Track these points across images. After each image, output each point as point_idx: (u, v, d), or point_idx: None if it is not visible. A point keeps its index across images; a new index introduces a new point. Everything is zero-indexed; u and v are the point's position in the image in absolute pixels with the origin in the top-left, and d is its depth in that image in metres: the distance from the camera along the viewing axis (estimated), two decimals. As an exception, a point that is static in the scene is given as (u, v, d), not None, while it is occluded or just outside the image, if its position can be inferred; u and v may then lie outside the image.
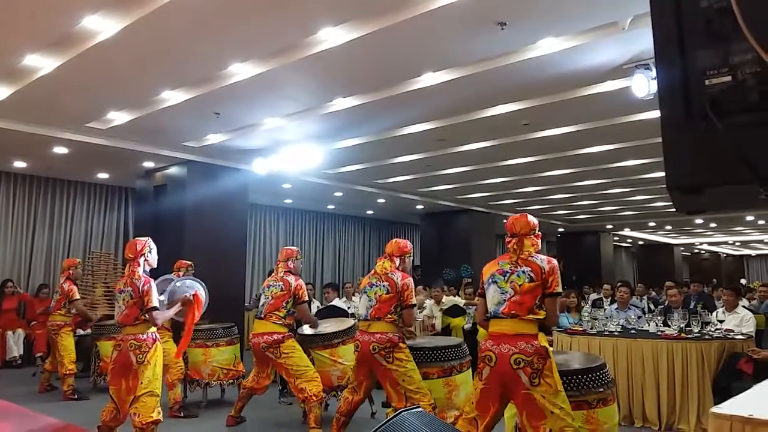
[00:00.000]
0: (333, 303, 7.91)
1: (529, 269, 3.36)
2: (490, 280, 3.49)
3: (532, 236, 3.49)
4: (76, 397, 6.46)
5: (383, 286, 4.33)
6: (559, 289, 3.38)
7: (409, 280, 4.37)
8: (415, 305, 4.39)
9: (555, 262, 3.43)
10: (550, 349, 3.27)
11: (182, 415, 5.68)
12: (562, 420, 3.11)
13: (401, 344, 4.24)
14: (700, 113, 0.91)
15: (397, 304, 4.29)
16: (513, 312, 3.31)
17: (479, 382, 3.38)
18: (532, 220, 3.55)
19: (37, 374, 7.48)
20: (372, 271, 4.55)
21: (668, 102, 0.96)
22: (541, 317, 3.30)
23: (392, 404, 4.26)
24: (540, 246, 3.53)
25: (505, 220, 16.38)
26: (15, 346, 8.59)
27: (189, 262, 6.18)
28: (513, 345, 3.23)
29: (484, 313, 3.52)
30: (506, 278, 3.41)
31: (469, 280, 11.00)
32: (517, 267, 3.40)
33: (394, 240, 4.66)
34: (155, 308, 4.24)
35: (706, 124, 0.90)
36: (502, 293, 3.39)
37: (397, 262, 4.48)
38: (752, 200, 0.99)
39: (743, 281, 13.68)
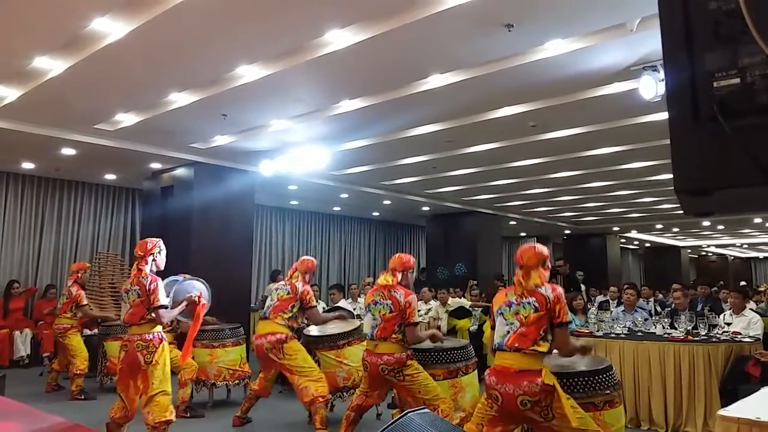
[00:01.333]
0: (338, 304, 7.92)
1: (534, 299, 3.29)
2: (497, 312, 3.46)
3: (540, 268, 3.40)
4: (83, 397, 6.48)
5: (386, 304, 4.32)
6: (568, 318, 3.33)
7: (412, 297, 4.35)
8: (418, 323, 4.39)
9: (560, 289, 3.35)
10: (557, 382, 3.21)
11: (188, 415, 5.69)
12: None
13: (409, 361, 4.24)
14: (708, 115, 0.91)
15: (401, 322, 4.28)
16: (517, 345, 3.26)
17: (489, 410, 3.35)
18: (541, 250, 3.46)
19: (44, 374, 7.52)
20: (375, 286, 4.56)
21: (676, 104, 0.96)
22: (544, 350, 3.24)
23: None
24: (548, 278, 3.42)
25: (511, 222, 16.42)
26: (22, 346, 8.64)
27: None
28: (517, 385, 3.16)
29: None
30: (511, 310, 3.37)
31: (475, 281, 10.99)
32: (523, 298, 3.35)
33: (397, 255, 4.63)
34: (163, 306, 4.26)
35: (714, 127, 0.90)
36: (508, 325, 3.35)
37: (399, 277, 4.46)
38: (760, 203, 0.99)
39: (743, 283, 13.57)
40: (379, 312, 4.34)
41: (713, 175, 0.93)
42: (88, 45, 4.93)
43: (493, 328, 3.56)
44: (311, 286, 5.42)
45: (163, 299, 4.30)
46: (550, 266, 3.51)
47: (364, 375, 4.53)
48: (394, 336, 4.24)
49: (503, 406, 3.23)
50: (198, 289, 5.17)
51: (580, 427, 3.13)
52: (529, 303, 3.31)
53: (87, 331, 7.98)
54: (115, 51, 4.90)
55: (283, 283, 5.28)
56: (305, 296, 5.10)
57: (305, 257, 5.48)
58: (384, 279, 4.46)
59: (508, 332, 3.32)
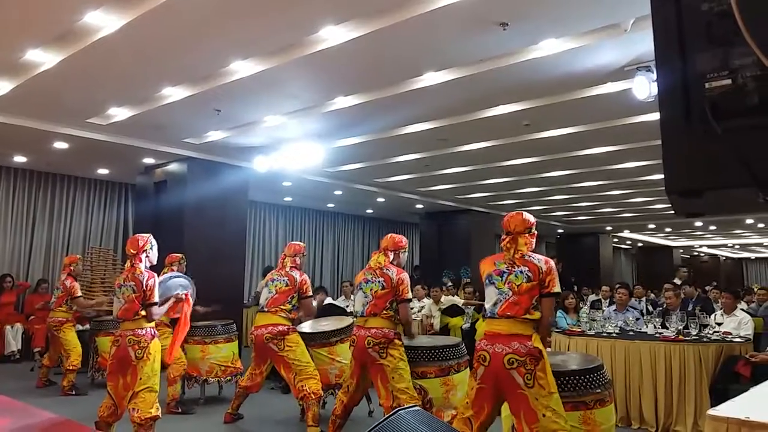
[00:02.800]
0: (332, 302, 7.93)
1: (527, 269, 3.35)
2: (488, 281, 3.49)
3: (526, 235, 3.48)
4: (74, 392, 6.46)
5: (378, 281, 4.33)
6: (557, 289, 3.38)
7: (405, 275, 4.36)
8: (410, 300, 4.38)
9: (552, 262, 3.42)
10: (545, 350, 3.27)
11: (180, 410, 5.68)
12: (554, 422, 3.11)
13: (396, 341, 4.24)
14: (699, 117, 0.92)
15: (393, 299, 4.29)
16: (509, 313, 3.31)
17: (474, 381, 3.38)
18: (528, 218, 3.54)
19: (36, 369, 7.49)
20: (366, 266, 4.54)
21: (668, 105, 0.97)
22: (536, 318, 3.30)
23: (380, 402, 4.26)
24: (534, 245, 3.50)
25: (504, 221, 16.41)
26: (13, 341, 8.59)
27: (180, 255, 6.18)
28: (506, 345, 3.23)
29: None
30: (503, 279, 3.40)
31: (468, 280, 11.01)
32: (515, 267, 3.39)
33: (389, 235, 4.65)
34: (155, 303, 4.25)
35: (705, 128, 0.90)
36: (500, 294, 3.38)
37: (392, 257, 4.47)
38: (751, 204, 0.99)
39: (713, 284, 13.50)
40: (371, 289, 4.34)
41: (704, 177, 0.93)
42: (80, 38, 4.90)
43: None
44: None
45: (158, 297, 4.30)
46: (536, 233, 3.57)
47: (350, 360, 4.50)
48: (384, 312, 4.26)
49: (490, 367, 3.26)
50: (184, 287, 5.16)
51: (553, 407, 3.14)
52: (521, 272, 3.36)
53: (79, 327, 7.95)
54: (108, 44, 4.87)
55: (278, 273, 5.17)
56: (303, 286, 5.07)
57: (291, 242, 5.47)
58: (376, 260, 4.45)
59: (501, 300, 3.36)
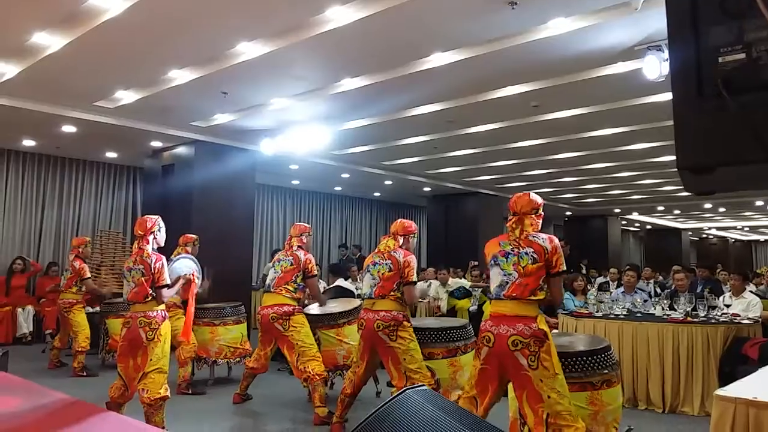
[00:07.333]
0: (339, 284, 7.95)
1: (532, 250, 3.32)
2: (493, 262, 3.47)
3: (533, 215, 3.44)
4: (85, 374, 6.54)
5: (386, 264, 4.34)
6: (564, 267, 3.36)
7: (411, 258, 4.38)
8: (415, 282, 4.38)
9: (556, 240, 3.38)
10: (549, 332, 3.26)
11: (190, 392, 5.74)
12: (558, 404, 3.11)
13: (405, 323, 4.26)
14: (712, 91, 0.90)
15: (400, 281, 4.30)
16: (515, 294, 3.29)
17: (478, 362, 3.39)
18: (535, 198, 3.49)
19: (47, 351, 7.58)
20: (376, 250, 4.56)
21: (681, 79, 0.95)
22: (541, 298, 3.29)
23: (393, 383, 4.29)
24: (539, 226, 3.46)
25: (512, 203, 16.38)
26: (25, 323, 8.70)
27: (195, 237, 6.21)
28: (511, 326, 3.22)
29: None
30: (509, 260, 3.38)
31: (476, 262, 11.01)
32: (520, 248, 3.36)
33: (399, 220, 4.67)
34: (166, 286, 4.27)
35: (718, 103, 0.89)
36: (505, 275, 3.36)
37: (401, 241, 4.49)
38: (763, 180, 0.98)
39: (692, 264, 13.22)
40: (378, 272, 4.36)
41: (716, 152, 0.92)
42: (86, 20, 4.89)
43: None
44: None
45: (167, 279, 4.32)
46: (543, 215, 3.53)
47: (358, 341, 4.50)
48: (392, 294, 4.27)
49: (494, 349, 3.26)
50: (190, 267, 5.20)
51: (557, 388, 3.14)
52: (527, 253, 3.33)
53: (89, 309, 8.02)
54: (114, 27, 4.85)
55: (284, 253, 5.25)
56: (308, 265, 5.13)
57: (296, 223, 5.50)
58: (385, 244, 4.47)
59: (507, 282, 3.35)
